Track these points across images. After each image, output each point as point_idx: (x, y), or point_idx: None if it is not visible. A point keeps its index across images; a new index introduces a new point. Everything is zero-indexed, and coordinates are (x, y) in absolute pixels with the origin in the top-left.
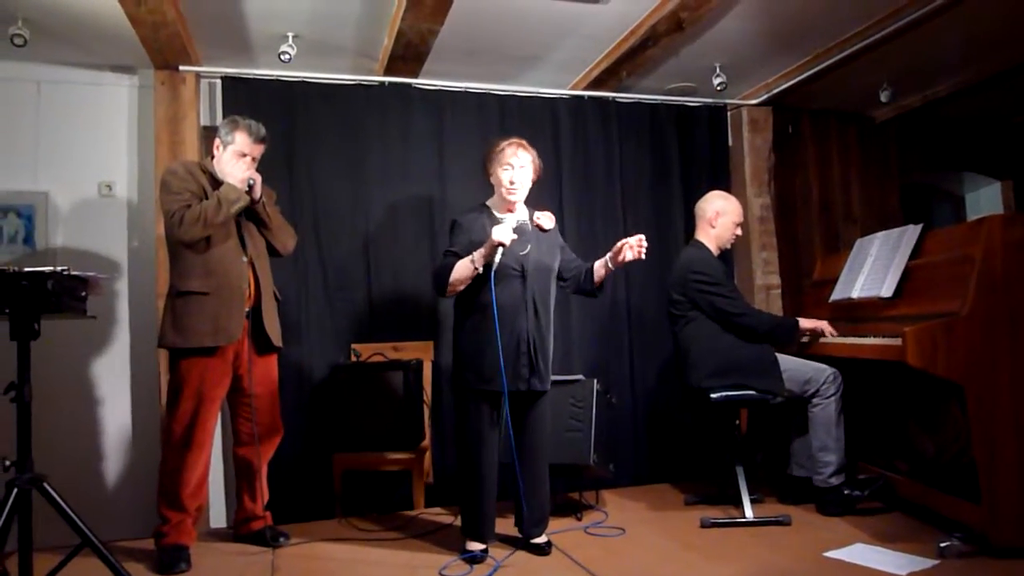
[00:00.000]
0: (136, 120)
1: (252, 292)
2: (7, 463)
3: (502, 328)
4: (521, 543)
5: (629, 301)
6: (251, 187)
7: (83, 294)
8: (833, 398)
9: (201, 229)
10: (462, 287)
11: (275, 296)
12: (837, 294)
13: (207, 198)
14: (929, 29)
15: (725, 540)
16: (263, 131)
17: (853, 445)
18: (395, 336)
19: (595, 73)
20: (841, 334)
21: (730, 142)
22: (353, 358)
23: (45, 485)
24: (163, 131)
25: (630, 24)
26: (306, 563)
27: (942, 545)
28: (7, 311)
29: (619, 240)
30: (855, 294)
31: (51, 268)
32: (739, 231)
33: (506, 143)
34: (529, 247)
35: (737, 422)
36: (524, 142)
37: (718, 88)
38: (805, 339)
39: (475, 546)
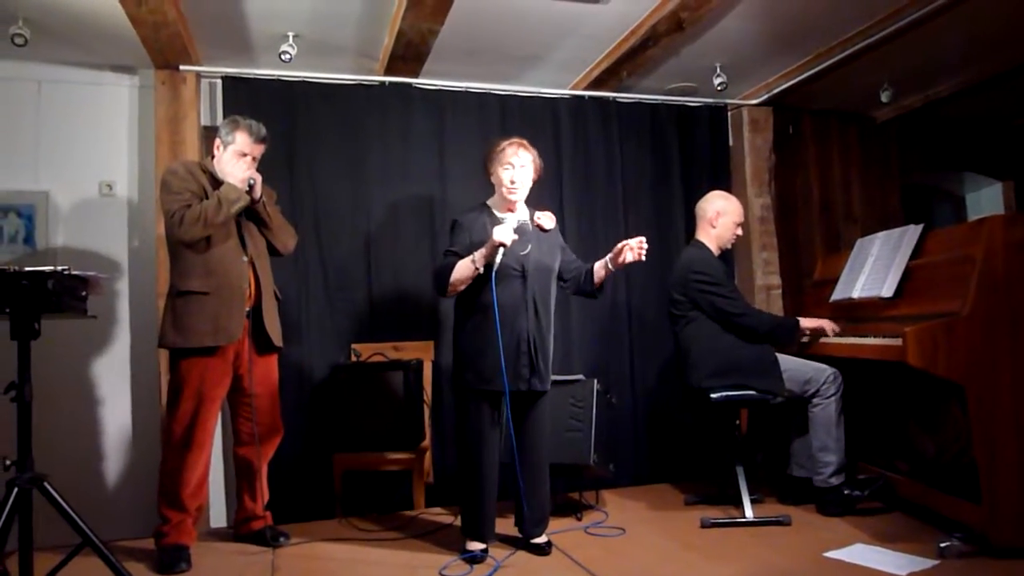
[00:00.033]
0: (136, 120)
1: (252, 292)
2: (8, 463)
3: (502, 328)
4: (521, 543)
5: (629, 301)
6: (251, 187)
7: (83, 294)
8: (833, 398)
9: (201, 229)
10: (463, 287)
11: (275, 296)
12: (838, 294)
13: (207, 198)
14: (930, 29)
15: (725, 540)
16: (263, 131)
17: (853, 445)
18: (395, 336)
19: (596, 73)
20: (841, 334)
21: (731, 142)
22: (353, 358)
23: (46, 485)
24: (163, 131)
25: (630, 24)
26: (306, 563)
27: (942, 545)
28: (7, 311)
29: (619, 240)
30: (856, 294)
31: (51, 268)
32: (740, 231)
33: (507, 143)
34: (530, 247)
35: (737, 422)
36: (525, 142)
37: (718, 88)
38: (805, 339)
39: (475, 546)
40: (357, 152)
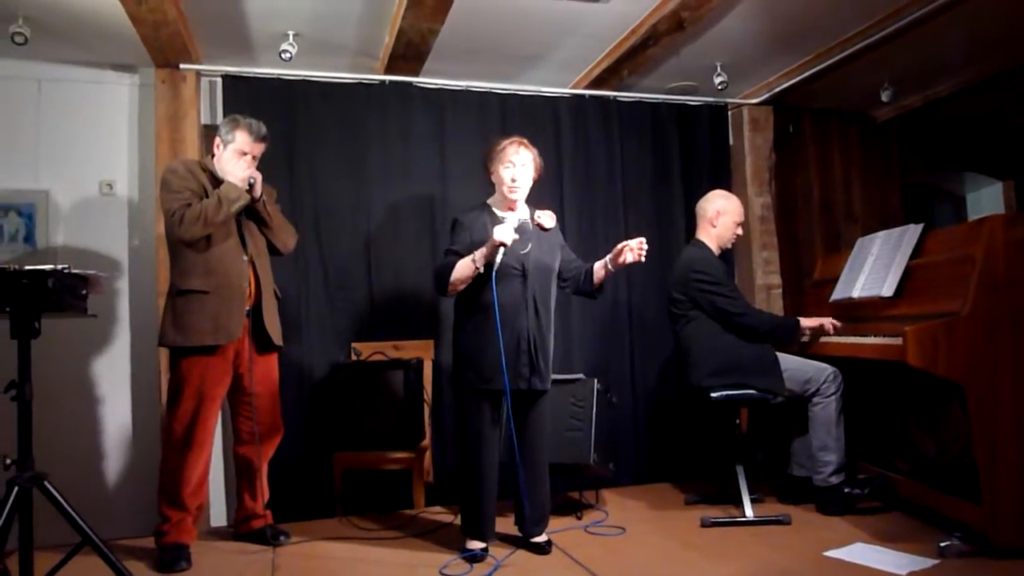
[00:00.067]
0: (137, 118)
1: (252, 291)
2: (8, 461)
3: (503, 327)
4: (521, 542)
5: (630, 300)
6: (251, 186)
7: (84, 292)
8: (833, 397)
9: (201, 228)
10: (463, 286)
11: (275, 295)
12: (838, 294)
13: (207, 197)
14: (930, 29)
15: (725, 539)
16: (264, 130)
17: (854, 445)
18: (396, 335)
19: (596, 72)
20: (842, 334)
21: (731, 141)
22: (353, 357)
23: (46, 484)
24: (164, 129)
25: (631, 23)
26: (306, 562)
27: (942, 545)
28: (8, 309)
29: (620, 239)
30: (856, 294)
31: (52, 266)
32: (740, 231)
33: (507, 141)
34: (530, 246)
35: (737, 421)
36: (525, 140)
37: (719, 87)
38: (806, 338)
39: (475, 545)
40: (357, 151)
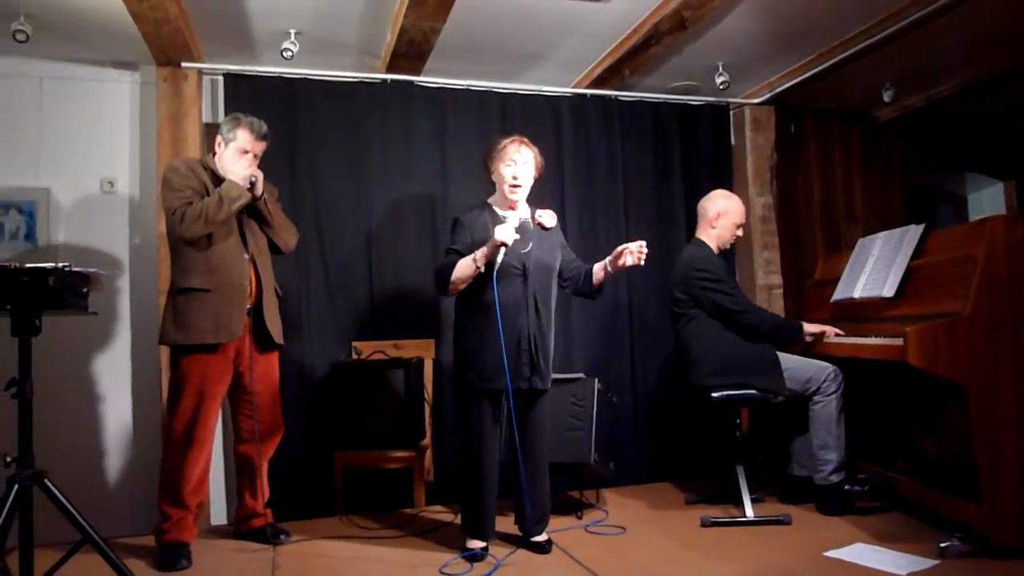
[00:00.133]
0: (138, 117)
1: (253, 289)
2: (8, 459)
3: (503, 327)
4: (521, 541)
5: (630, 300)
6: (253, 184)
7: (84, 290)
8: (834, 396)
9: (202, 226)
10: (464, 286)
11: (276, 293)
12: (839, 294)
13: (209, 195)
14: (932, 29)
15: (725, 539)
16: (265, 128)
17: (854, 445)
18: (396, 334)
19: (597, 71)
20: (842, 334)
21: (732, 141)
22: (354, 356)
23: (46, 481)
24: (165, 128)
25: (633, 22)
26: (307, 560)
27: (942, 545)
28: (9, 307)
29: (621, 239)
30: (857, 294)
31: (53, 264)
32: (740, 231)
33: (508, 140)
34: (531, 245)
35: (738, 421)
36: (526, 139)
37: (721, 87)
38: (809, 339)
39: (475, 544)
40: (358, 150)
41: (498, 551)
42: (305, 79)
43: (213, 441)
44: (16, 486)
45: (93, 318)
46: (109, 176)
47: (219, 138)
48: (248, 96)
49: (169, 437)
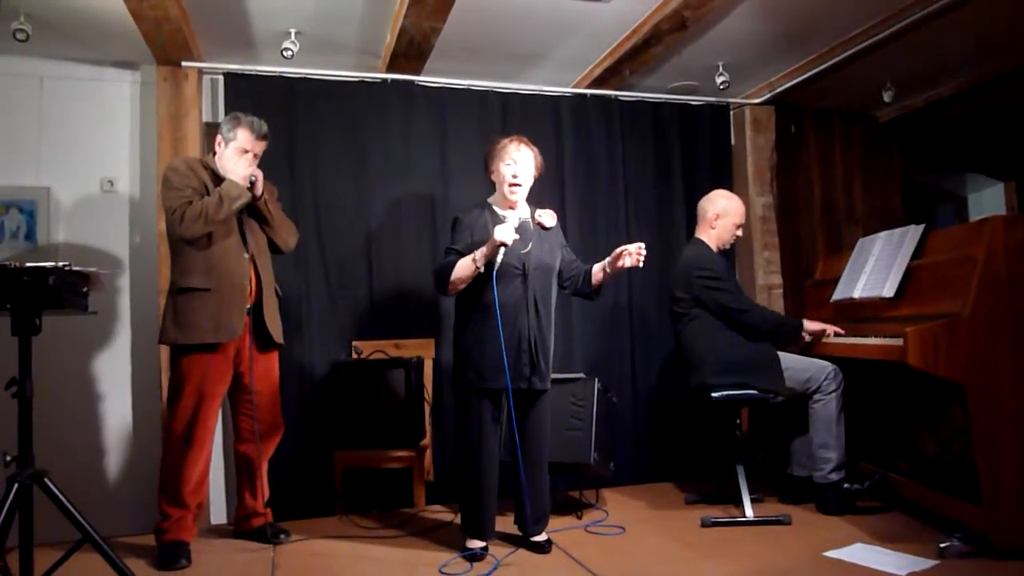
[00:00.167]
0: (138, 116)
1: (253, 289)
2: (8, 458)
3: (503, 326)
4: (521, 541)
5: (630, 300)
6: (253, 184)
7: (84, 290)
8: (834, 395)
9: (202, 226)
10: (463, 286)
11: (276, 293)
12: (839, 294)
13: (209, 194)
14: (933, 29)
15: (725, 539)
16: (265, 128)
17: (854, 445)
18: (396, 333)
19: (598, 71)
20: (842, 334)
21: (733, 141)
22: (354, 355)
23: (46, 481)
24: (165, 127)
25: (633, 22)
26: (306, 560)
27: (942, 545)
28: (9, 306)
29: (621, 238)
30: (857, 294)
31: (53, 264)
32: (740, 232)
33: (508, 140)
34: (531, 245)
35: (738, 421)
36: (525, 139)
37: (721, 87)
38: (808, 339)
39: (475, 544)
40: (358, 149)
41: (498, 551)
42: (305, 79)
43: (213, 441)
44: (16, 485)
45: (93, 317)
46: (109, 175)
47: (219, 137)
48: (248, 96)
49: (169, 437)
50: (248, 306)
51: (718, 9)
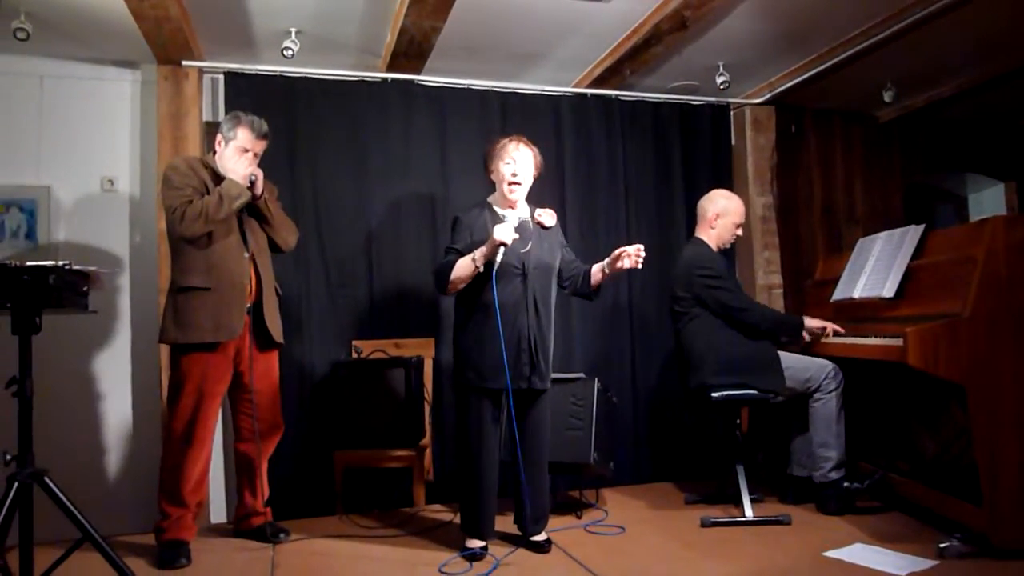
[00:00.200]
0: (139, 115)
1: (253, 288)
2: (8, 457)
3: (503, 326)
4: (521, 541)
5: (630, 300)
6: (253, 183)
7: (85, 289)
8: (834, 393)
9: (203, 225)
10: (463, 285)
11: (276, 292)
12: (839, 294)
13: (209, 194)
14: (933, 29)
15: (725, 539)
16: (265, 127)
17: (854, 445)
18: (396, 332)
19: (598, 71)
20: (842, 334)
21: (733, 141)
22: (354, 355)
23: (46, 480)
24: (165, 126)
25: (633, 22)
26: (306, 559)
27: (941, 546)
28: (9, 305)
29: (621, 238)
30: (857, 294)
31: (53, 263)
32: (740, 231)
33: (507, 139)
34: (530, 245)
35: (738, 421)
36: (524, 138)
37: (721, 87)
38: (808, 338)
39: (475, 543)
40: (359, 149)
41: (497, 550)
42: (306, 78)
43: (213, 440)
44: (16, 484)
45: (93, 317)
46: (109, 174)
47: (219, 136)
48: (249, 95)
49: (169, 436)
50: (248, 305)
51: (718, 9)
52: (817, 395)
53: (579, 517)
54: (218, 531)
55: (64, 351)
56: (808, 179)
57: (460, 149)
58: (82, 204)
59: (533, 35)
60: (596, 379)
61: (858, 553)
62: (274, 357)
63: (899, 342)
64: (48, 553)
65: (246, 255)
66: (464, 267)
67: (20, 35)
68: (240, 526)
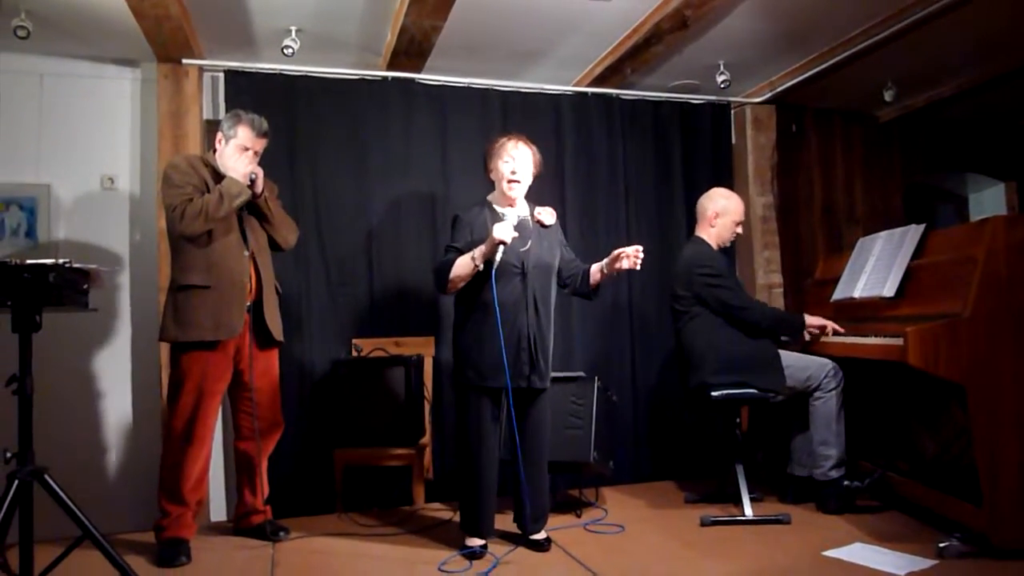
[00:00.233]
0: (139, 113)
1: (253, 286)
2: (8, 455)
3: (503, 325)
4: (520, 539)
5: (630, 299)
6: (253, 181)
7: (85, 287)
8: (834, 392)
9: (203, 223)
10: (462, 284)
11: (276, 290)
12: (839, 293)
13: (209, 192)
14: (934, 29)
15: (724, 538)
16: (265, 125)
17: (854, 445)
18: (396, 331)
19: (598, 70)
20: (843, 333)
21: (733, 140)
22: (354, 353)
23: (46, 477)
24: (166, 125)
25: (634, 21)
26: (306, 557)
27: (941, 545)
28: (9, 303)
29: (621, 237)
30: (857, 294)
31: (53, 261)
32: (740, 230)
33: (506, 138)
34: (530, 243)
35: (738, 420)
36: (524, 137)
37: (722, 86)
38: (808, 337)
39: (474, 542)
40: (359, 147)
41: (497, 549)
42: (306, 76)
43: (213, 438)
44: (16, 482)
45: (93, 315)
46: (110, 173)
47: (220, 135)
48: (249, 93)
49: (169, 434)
50: (248, 304)
51: (719, 8)
52: (817, 394)
53: (579, 516)
54: (218, 529)
55: (64, 349)
56: (808, 178)
57: (460, 148)
58: (82, 202)
59: (534, 34)
60: (596, 378)
61: (858, 552)
62: (274, 355)
63: (899, 342)
64: (48, 551)
65: (246, 253)
66: (463, 265)
67: (20, 33)
68: (240, 524)
